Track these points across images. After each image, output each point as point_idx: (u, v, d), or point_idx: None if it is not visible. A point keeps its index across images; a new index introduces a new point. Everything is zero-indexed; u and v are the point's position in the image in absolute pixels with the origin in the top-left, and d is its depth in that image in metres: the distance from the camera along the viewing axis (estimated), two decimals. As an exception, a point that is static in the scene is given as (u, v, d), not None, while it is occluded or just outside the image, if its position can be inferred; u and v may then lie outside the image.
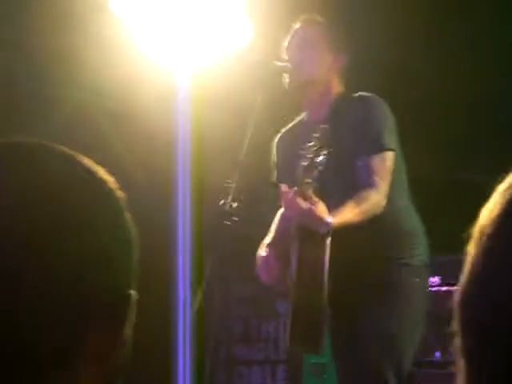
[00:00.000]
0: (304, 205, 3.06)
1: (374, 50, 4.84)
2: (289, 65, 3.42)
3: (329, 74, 3.45)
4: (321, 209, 3.07)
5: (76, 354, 0.85)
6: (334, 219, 3.09)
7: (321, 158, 3.10)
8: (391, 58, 5.00)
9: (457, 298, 0.78)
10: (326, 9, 3.72)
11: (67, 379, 0.84)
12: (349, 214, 3.15)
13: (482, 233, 0.76)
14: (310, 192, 3.08)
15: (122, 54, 4.53)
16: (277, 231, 3.48)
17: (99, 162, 0.94)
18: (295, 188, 3.11)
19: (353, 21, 4.35)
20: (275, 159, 3.61)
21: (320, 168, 3.12)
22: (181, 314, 4.19)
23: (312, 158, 3.09)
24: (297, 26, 3.50)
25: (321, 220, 3.07)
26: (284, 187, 3.14)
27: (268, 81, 3.41)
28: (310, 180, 3.08)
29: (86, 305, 0.85)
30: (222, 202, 3.24)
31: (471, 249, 0.77)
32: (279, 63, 3.43)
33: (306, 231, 3.15)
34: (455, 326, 0.78)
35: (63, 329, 0.83)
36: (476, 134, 5.21)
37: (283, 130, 3.63)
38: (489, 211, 0.76)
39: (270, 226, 3.48)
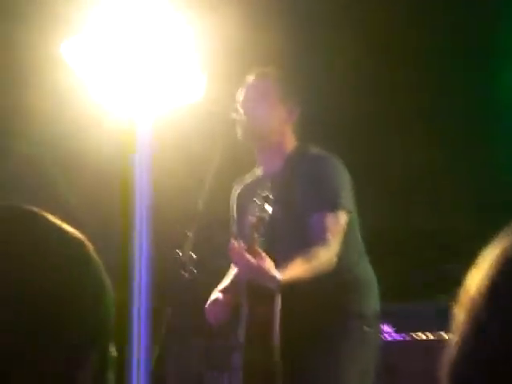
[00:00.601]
0: (252, 260, 3.07)
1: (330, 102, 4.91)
2: (243, 116, 3.44)
3: (283, 127, 3.48)
4: (268, 264, 3.09)
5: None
6: (282, 275, 3.12)
7: (269, 213, 3.14)
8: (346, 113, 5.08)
9: (445, 368, 0.76)
10: (281, 61, 3.77)
11: None
12: (298, 270, 3.17)
13: (470, 303, 0.75)
14: (256, 246, 3.10)
15: (73, 104, 4.52)
16: (230, 282, 3.49)
17: (51, 214, 0.94)
18: (243, 243, 3.13)
19: (308, 73, 4.42)
20: (233, 213, 3.62)
21: (267, 223, 3.15)
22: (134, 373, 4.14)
23: (260, 214, 3.11)
24: (251, 78, 3.53)
25: (269, 276, 3.09)
26: (235, 243, 3.15)
27: (224, 132, 3.44)
28: (257, 235, 3.11)
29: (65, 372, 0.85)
30: (179, 253, 3.22)
31: (459, 315, 0.75)
32: (234, 114, 3.45)
33: (255, 290, 3.18)
34: None
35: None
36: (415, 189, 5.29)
37: (240, 184, 3.65)
38: (477, 276, 0.75)
39: (224, 276, 3.48)
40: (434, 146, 5.22)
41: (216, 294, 3.43)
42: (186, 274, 3.21)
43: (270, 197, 3.14)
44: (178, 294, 3.23)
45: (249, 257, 3.08)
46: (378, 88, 5.19)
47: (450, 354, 0.75)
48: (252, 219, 3.14)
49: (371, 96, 5.16)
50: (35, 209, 0.92)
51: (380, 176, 5.21)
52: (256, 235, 3.12)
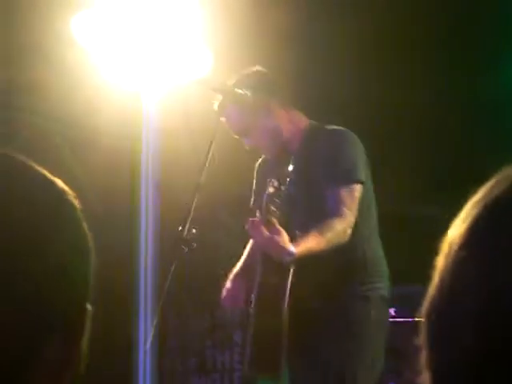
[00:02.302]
0: (266, 234, 3.09)
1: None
2: (248, 93, 3.44)
3: (287, 124, 3.51)
4: (284, 238, 3.09)
5: (32, 367, 0.83)
6: (296, 249, 3.12)
7: (287, 187, 3.15)
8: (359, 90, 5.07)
9: (425, 309, 0.76)
10: (289, 38, 3.76)
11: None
12: (312, 243, 3.17)
13: (450, 245, 0.75)
14: (274, 221, 3.11)
15: (85, 80, 4.53)
16: (246, 259, 3.54)
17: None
18: (259, 216, 3.15)
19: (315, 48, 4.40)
20: (254, 185, 3.66)
21: (286, 197, 3.16)
22: (141, 347, 4.16)
23: (278, 188, 3.12)
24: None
25: (283, 249, 3.09)
26: (253, 218, 3.18)
27: (230, 122, 3.47)
28: (274, 209, 3.12)
29: (43, 318, 0.83)
30: (180, 227, 3.23)
31: (439, 262, 0.76)
32: (239, 91, 3.45)
33: (269, 258, 3.18)
34: (422, 338, 0.76)
35: (19, 342, 0.82)
36: (436, 169, 5.28)
37: (262, 157, 3.68)
38: (458, 225, 0.75)
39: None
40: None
41: (230, 282, 3.47)
42: (186, 249, 3.21)
43: (289, 171, 3.16)
44: (179, 269, 3.24)
45: (265, 231, 3.09)
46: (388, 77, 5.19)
47: (428, 296, 0.76)
48: (269, 193, 3.15)
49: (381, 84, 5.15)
50: (18, 156, 0.90)
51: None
52: (273, 209, 3.13)
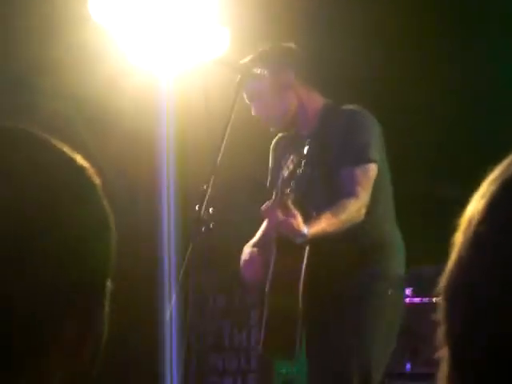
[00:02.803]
0: (280, 216, 3.10)
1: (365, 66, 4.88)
2: (266, 72, 3.43)
3: (297, 102, 3.49)
4: (298, 220, 3.11)
5: (50, 342, 0.83)
6: (310, 230, 3.14)
7: (304, 168, 3.16)
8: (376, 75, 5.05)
9: (443, 285, 0.77)
10: (303, 19, 3.75)
11: (40, 369, 0.83)
12: (325, 224, 3.19)
13: (469, 221, 0.75)
14: (288, 202, 3.12)
15: (102, 60, 4.53)
16: (261, 235, 3.53)
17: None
18: (275, 198, 3.16)
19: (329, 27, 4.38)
20: (270, 164, 3.65)
21: (302, 178, 3.17)
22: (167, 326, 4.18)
23: (294, 170, 3.13)
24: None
25: (297, 231, 3.12)
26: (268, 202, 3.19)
27: (246, 87, 3.44)
28: (289, 190, 3.13)
29: (62, 291, 0.83)
30: (197, 207, 3.24)
31: (458, 238, 0.76)
32: (257, 70, 3.44)
33: (283, 240, 3.21)
34: (440, 314, 0.77)
35: (38, 317, 0.82)
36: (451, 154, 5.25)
37: (279, 136, 3.67)
38: (476, 201, 0.76)
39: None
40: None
41: (249, 250, 3.45)
42: (203, 229, 3.22)
43: (304, 153, 3.16)
44: (196, 249, 3.25)
45: (279, 214, 3.11)
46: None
47: (447, 271, 0.76)
48: (284, 174, 3.16)
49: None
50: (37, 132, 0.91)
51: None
52: (288, 190, 3.14)
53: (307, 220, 3.17)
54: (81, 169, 0.90)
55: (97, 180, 0.91)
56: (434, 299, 4.41)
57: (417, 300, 4.60)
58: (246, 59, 3.48)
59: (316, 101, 3.53)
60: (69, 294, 0.84)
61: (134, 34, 4.09)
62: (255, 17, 4.41)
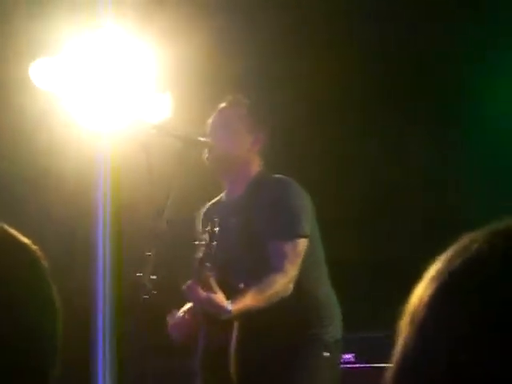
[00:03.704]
0: (202, 294, 3.14)
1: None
2: (209, 140, 3.46)
3: (248, 154, 3.49)
4: (219, 298, 3.15)
5: None
6: (234, 306, 3.17)
7: (229, 237, 3.18)
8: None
9: (389, 376, 0.79)
10: (247, 88, 3.80)
11: None
12: (250, 300, 3.22)
13: (413, 315, 0.78)
14: (210, 279, 3.13)
15: (41, 122, 4.52)
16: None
17: (17, 230, 0.92)
18: (194, 275, 3.17)
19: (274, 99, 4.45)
20: (197, 234, 3.61)
21: (227, 247, 3.19)
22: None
23: (209, 244, 3.14)
24: (222, 105, 3.56)
25: (220, 308, 3.15)
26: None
27: (189, 155, 3.45)
28: (209, 264, 3.14)
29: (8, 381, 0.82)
30: (139, 274, 3.22)
31: (403, 330, 0.79)
32: (201, 138, 3.46)
33: (212, 316, 3.23)
34: None
35: None
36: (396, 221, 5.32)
37: (207, 205, 3.67)
38: (420, 295, 0.79)
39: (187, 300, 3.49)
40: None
41: (178, 314, 3.45)
42: (146, 296, 3.20)
43: (216, 232, 3.16)
44: (138, 315, 3.22)
45: (201, 292, 3.13)
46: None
47: (394, 362, 0.79)
48: (202, 249, 3.16)
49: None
50: None
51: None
52: (207, 265, 3.14)
53: (233, 292, 3.20)
54: (32, 258, 0.90)
55: (45, 264, 0.91)
56: (375, 365, 4.42)
57: (358, 365, 4.61)
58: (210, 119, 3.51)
59: (255, 168, 3.54)
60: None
61: (77, 99, 4.10)
62: (197, 81, 4.45)
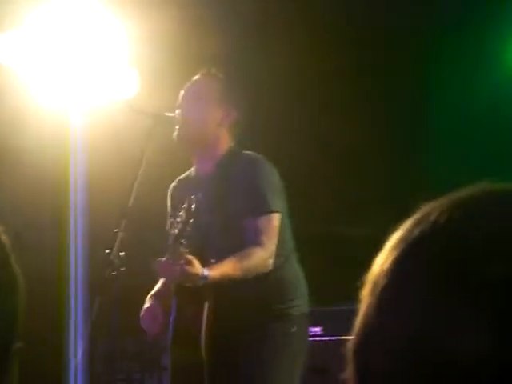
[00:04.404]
0: (176, 268, 3.12)
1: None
2: (177, 115, 3.43)
3: (218, 129, 3.46)
4: (195, 266, 3.13)
5: None
6: (211, 272, 3.16)
7: (201, 215, 3.17)
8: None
9: (351, 345, 0.80)
10: (222, 64, 3.77)
11: None
12: (227, 268, 3.22)
13: (375, 284, 0.79)
14: (183, 251, 3.12)
15: (12, 100, 4.47)
16: (163, 283, 3.49)
17: None
18: (169, 251, 3.15)
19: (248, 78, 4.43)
20: (168, 210, 3.61)
21: (200, 225, 3.18)
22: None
23: (186, 220, 3.13)
24: (194, 78, 3.53)
25: (196, 276, 3.13)
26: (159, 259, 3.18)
27: (157, 130, 3.43)
28: (183, 240, 3.13)
29: None
30: (108, 251, 3.21)
31: (364, 299, 0.80)
32: (169, 114, 3.44)
33: (183, 291, 3.22)
34: (348, 373, 0.79)
35: None
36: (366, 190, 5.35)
37: (177, 180, 3.64)
38: (381, 264, 0.80)
39: (156, 276, 3.48)
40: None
41: (149, 302, 3.43)
42: (114, 273, 3.19)
43: (193, 209, 3.15)
44: (107, 292, 3.21)
45: (174, 267, 3.12)
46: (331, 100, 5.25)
47: (354, 331, 0.79)
48: (178, 224, 3.15)
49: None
50: None
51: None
52: (182, 242, 3.13)
53: (205, 266, 3.18)
54: None
55: (5, 240, 0.90)
56: (343, 337, 4.46)
57: (326, 338, 4.65)
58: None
59: (225, 144, 3.52)
60: None
61: (44, 74, 4.06)
62: (165, 58, 4.42)
